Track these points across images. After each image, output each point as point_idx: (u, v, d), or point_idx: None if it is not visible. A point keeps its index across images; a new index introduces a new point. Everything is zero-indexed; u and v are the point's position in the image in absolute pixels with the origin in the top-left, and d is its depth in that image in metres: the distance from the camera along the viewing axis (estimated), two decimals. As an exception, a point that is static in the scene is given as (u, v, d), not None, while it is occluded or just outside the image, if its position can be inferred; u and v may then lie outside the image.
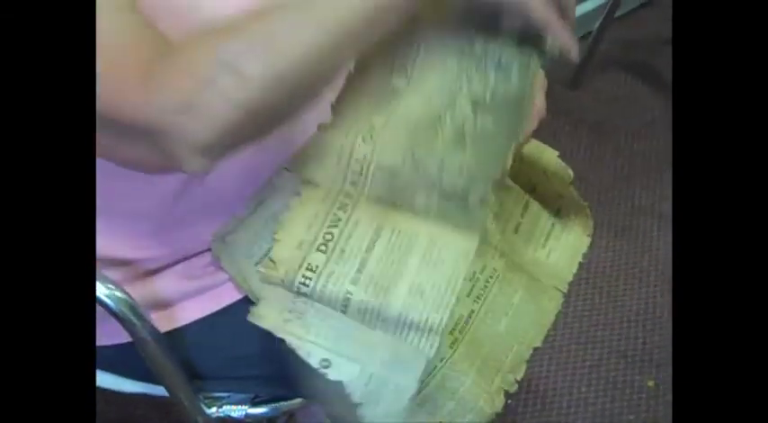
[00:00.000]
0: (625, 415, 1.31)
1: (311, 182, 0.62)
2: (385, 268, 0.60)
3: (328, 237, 0.60)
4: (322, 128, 0.63)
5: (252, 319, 0.62)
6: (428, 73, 0.63)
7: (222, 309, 0.75)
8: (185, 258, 0.74)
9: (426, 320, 0.59)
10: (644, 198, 1.73)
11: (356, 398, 0.60)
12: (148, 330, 0.70)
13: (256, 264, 0.68)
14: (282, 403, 0.79)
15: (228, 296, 0.74)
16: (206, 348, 0.77)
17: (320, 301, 0.60)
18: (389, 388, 0.60)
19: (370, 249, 0.60)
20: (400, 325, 0.59)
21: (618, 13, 2.02)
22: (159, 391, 0.79)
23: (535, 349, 0.73)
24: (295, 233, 0.60)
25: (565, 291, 0.77)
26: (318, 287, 0.59)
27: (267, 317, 0.61)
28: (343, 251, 0.60)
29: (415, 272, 0.60)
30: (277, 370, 0.73)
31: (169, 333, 0.75)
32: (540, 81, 0.70)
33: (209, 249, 0.73)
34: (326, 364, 0.60)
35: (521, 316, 0.71)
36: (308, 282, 0.59)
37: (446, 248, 0.60)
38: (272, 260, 0.60)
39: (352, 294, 0.59)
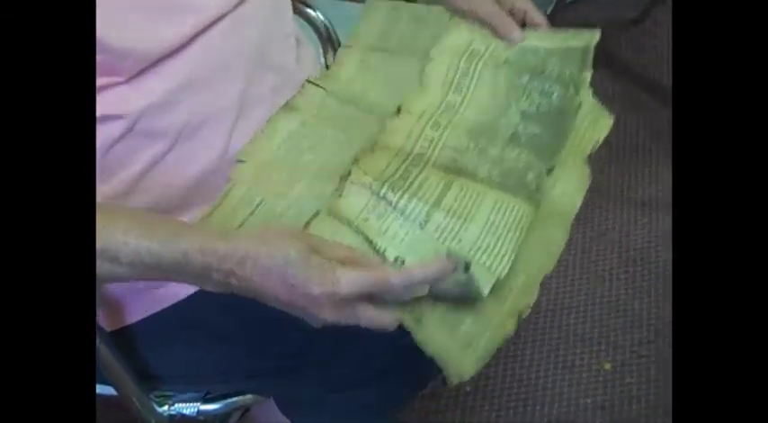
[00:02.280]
0: (582, 398, 1.32)
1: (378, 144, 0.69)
2: (460, 207, 0.64)
3: (401, 182, 0.65)
4: (391, 116, 0.72)
5: (338, 205, 0.64)
6: (480, 93, 0.76)
7: (172, 306, 0.74)
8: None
9: (500, 248, 0.62)
10: (602, 182, 1.73)
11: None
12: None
13: None
14: (235, 399, 0.79)
15: (174, 294, 0.74)
16: (157, 346, 0.76)
17: (402, 212, 0.63)
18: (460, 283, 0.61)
19: (441, 197, 0.64)
20: (475, 247, 0.62)
21: (570, -1, 2.03)
22: (112, 390, 0.78)
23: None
24: (376, 164, 0.66)
25: (570, 223, 0.73)
26: (405, 197, 0.63)
27: (351, 207, 0.64)
28: (420, 186, 0.65)
29: (485, 217, 0.64)
30: (235, 364, 0.74)
31: (118, 331, 0.75)
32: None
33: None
34: (401, 261, 0.61)
35: (526, 242, 0.66)
36: (396, 189, 0.64)
37: (509, 210, 0.65)
38: (360, 168, 0.65)
39: (433, 214, 0.63)
